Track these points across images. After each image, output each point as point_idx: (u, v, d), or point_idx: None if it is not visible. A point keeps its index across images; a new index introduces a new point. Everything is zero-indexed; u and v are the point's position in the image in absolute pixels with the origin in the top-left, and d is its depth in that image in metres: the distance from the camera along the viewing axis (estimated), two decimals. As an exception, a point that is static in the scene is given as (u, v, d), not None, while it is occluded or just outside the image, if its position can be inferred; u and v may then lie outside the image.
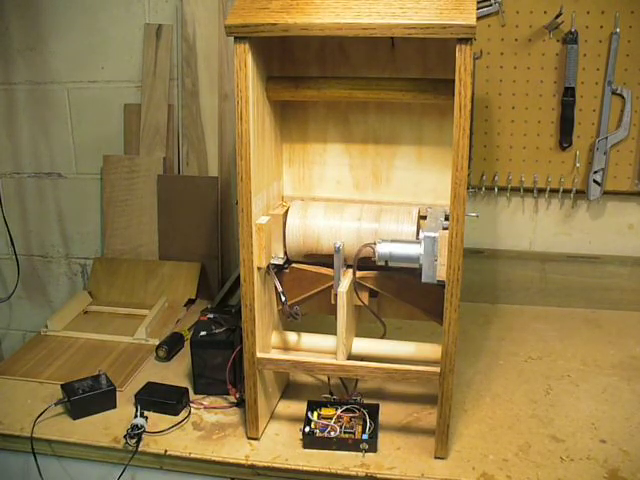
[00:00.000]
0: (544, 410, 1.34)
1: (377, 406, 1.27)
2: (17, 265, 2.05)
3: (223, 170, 1.87)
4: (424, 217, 1.24)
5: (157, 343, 1.56)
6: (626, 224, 1.77)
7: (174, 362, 1.54)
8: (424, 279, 1.13)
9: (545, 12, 1.59)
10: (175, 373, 1.48)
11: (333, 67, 1.26)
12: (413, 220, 1.23)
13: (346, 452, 1.20)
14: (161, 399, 1.33)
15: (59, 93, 1.94)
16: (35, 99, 1.96)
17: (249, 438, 1.25)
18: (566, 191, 1.72)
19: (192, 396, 1.38)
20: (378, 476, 1.16)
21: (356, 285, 1.25)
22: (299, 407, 1.31)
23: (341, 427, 1.23)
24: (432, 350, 1.23)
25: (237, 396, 1.34)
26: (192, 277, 1.84)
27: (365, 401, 1.29)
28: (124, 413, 1.32)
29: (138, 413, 1.27)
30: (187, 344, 1.56)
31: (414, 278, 1.16)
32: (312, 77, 1.24)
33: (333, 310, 1.21)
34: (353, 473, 1.17)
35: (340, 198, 1.32)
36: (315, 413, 1.26)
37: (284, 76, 1.24)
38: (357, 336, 1.32)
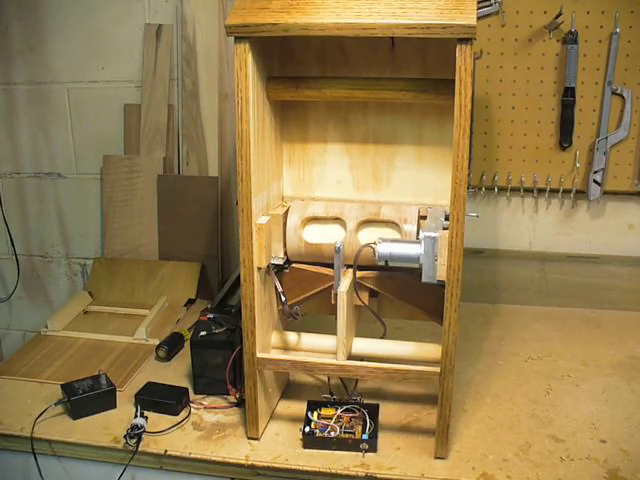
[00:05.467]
0: (544, 410, 1.34)
1: (377, 406, 1.27)
2: (17, 265, 2.06)
3: (223, 170, 1.87)
4: (424, 217, 1.24)
5: (157, 343, 1.56)
6: (626, 224, 1.77)
7: (174, 362, 1.54)
8: (424, 279, 1.13)
9: (545, 12, 1.59)
10: (175, 373, 1.48)
11: (333, 67, 1.26)
12: (413, 220, 1.23)
13: (346, 452, 1.20)
14: (161, 399, 1.33)
15: (59, 93, 1.94)
16: (35, 99, 1.96)
17: (249, 438, 1.25)
18: (566, 191, 1.73)
19: (192, 396, 1.38)
20: (378, 476, 1.16)
21: (356, 285, 1.25)
22: (299, 407, 1.31)
23: (341, 427, 1.23)
24: (432, 350, 1.23)
25: (237, 396, 1.34)
26: (192, 277, 1.84)
27: (365, 401, 1.29)
28: (124, 413, 1.32)
29: (138, 413, 1.27)
30: (187, 344, 1.56)
31: (414, 278, 1.16)
32: (312, 77, 1.24)
33: (333, 310, 1.21)
34: (353, 473, 1.16)
35: (340, 198, 1.32)
36: (315, 413, 1.26)
37: (284, 76, 1.24)
38: (357, 336, 1.32)
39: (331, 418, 1.25)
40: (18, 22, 1.89)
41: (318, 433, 1.22)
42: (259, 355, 1.21)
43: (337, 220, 1.27)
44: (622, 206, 1.75)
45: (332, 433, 1.22)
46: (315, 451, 1.21)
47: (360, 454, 1.20)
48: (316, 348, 1.30)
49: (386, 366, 1.18)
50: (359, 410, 1.26)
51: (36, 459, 1.25)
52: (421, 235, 1.12)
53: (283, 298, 1.24)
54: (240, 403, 1.33)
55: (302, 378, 1.44)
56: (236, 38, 1.06)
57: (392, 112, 1.27)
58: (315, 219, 1.28)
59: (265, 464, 1.19)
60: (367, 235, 1.25)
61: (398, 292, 1.26)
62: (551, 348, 1.59)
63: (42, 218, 2.08)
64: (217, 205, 1.85)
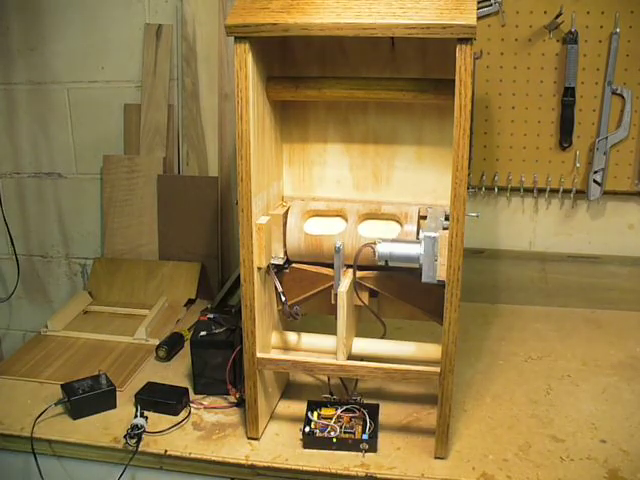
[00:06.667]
0: (544, 410, 1.34)
1: (377, 406, 1.27)
2: (17, 265, 2.05)
3: (223, 170, 1.87)
4: (424, 217, 1.24)
5: (157, 343, 1.56)
6: (626, 224, 1.77)
7: (174, 362, 1.54)
8: (424, 279, 1.13)
9: (545, 12, 1.59)
10: (175, 373, 1.48)
11: (333, 67, 1.26)
12: (413, 220, 1.23)
13: (346, 452, 1.20)
14: (161, 399, 1.33)
15: (59, 93, 1.94)
16: (35, 99, 1.96)
17: (249, 438, 1.25)
18: (566, 191, 1.73)
19: (192, 396, 1.38)
20: (378, 476, 1.16)
21: (356, 285, 1.25)
22: (299, 407, 1.31)
23: (341, 427, 1.23)
24: (432, 350, 1.23)
25: (237, 396, 1.34)
26: (192, 277, 1.84)
27: (365, 401, 1.29)
28: (124, 413, 1.32)
29: (138, 413, 1.27)
30: (187, 344, 1.56)
31: (414, 278, 1.16)
32: (312, 77, 1.24)
33: (333, 310, 1.21)
34: (353, 473, 1.16)
35: (340, 198, 1.32)
36: (315, 413, 1.26)
37: (284, 76, 1.24)
38: (357, 336, 1.32)
39: (331, 418, 1.25)
40: (18, 22, 1.89)
41: (318, 433, 1.22)
42: (259, 355, 1.21)
43: (338, 216, 1.27)
44: (622, 206, 1.75)
45: (332, 433, 1.22)
46: (315, 451, 1.21)
47: (360, 454, 1.20)
48: (316, 348, 1.30)
49: (386, 366, 1.18)
50: (359, 410, 1.26)
51: (36, 459, 1.25)
52: (421, 235, 1.12)
53: (283, 298, 1.24)
54: (240, 403, 1.33)
55: (302, 378, 1.44)
56: (236, 38, 1.06)
57: (392, 112, 1.27)
58: (317, 213, 1.28)
59: (265, 464, 1.19)
60: (368, 229, 1.25)
61: (398, 292, 1.26)
62: (551, 348, 1.59)
63: (42, 218, 2.08)
64: (217, 205, 1.85)
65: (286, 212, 1.27)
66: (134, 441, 1.22)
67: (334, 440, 1.21)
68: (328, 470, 1.17)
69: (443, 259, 1.10)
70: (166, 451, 1.22)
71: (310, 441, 1.22)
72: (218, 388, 1.37)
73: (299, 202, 1.31)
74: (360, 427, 1.23)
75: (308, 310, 1.33)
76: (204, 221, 1.86)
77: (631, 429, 1.28)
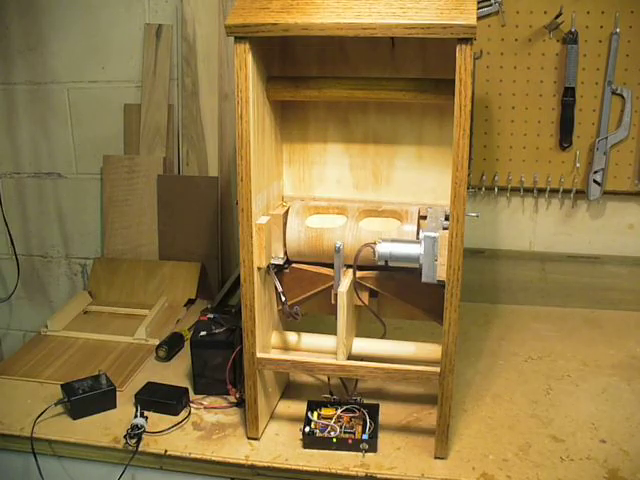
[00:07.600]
0: (544, 410, 1.34)
1: (377, 406, 1.27)
2: (17, 265, 2.06)
3: (223, 170, 1.87)
4: (424, 217, 1.24)
5: (157, 343, 1.56)
6: (626, 224, 1.77)
7: (174, 362, 1.54)
8: (424, 279, 1.13)
9: (545, 12, 1.59)
10: (175, 373, 1.48)
11: (333, 67, 1.26)
12: (413, 220, 1.23)
13: (346, 452, 1.20)
14: (161, 399, 1.33)
15: (59, 93, 1.94)
16: (35, 99, 1.96)
17: (249, 438, 1.25)
18: (566, 191, 1.73)
19: (192, 396, 1.38)
20: (378, 476, 1.16)
21: (356, 285, 1.25)
22: (299, 407, 1.31)
23: (341, 427, 1.23)
24: (432, 350, 1.23)
25: (237, 396, 1.34)
26: (192, 277, 1.84)
27: (365, 401, 1.29)
28: (124, 413, 1.32)
29: (138, 413, 1.27)
30: (187, 344, 1.56)
31: (414, 278, 1.16)
32: (312, 77, 1.24)
33: (333, 310, 1.21)
34: (353, 473, 1.16)
35: (340, 198, 1.32)
36: (315, 413, 1.26)
37: (284, 76, 1.24)
38: (357, 336, 1.32)
39: (331, 418, 1.25)
40: (18, 22, 1.89)
41: (318, 433, 1.22)
42: (259, 355, 1.21)
43: (339, 214, 1.28)
44: (622, 206, 1.75)
45: (332, 433, 1.22)
46: (315, 451, 1.21)
47: (360, 454, 1.20)
48: (316, 348, 1.30)
49: (386, 366, 1.18)
50: (359, 410, 1.26)
51: (36, 459, 1.25)
52: (421, 235, 1.12)
53: (283, 298, 1.24)
54: (240, 403, 1.33)
55: (302, 378, 1.44)
56: (236, 38, 1.06)
57: (392, 112, 1.27)
58: (317, 211, 1.28)
59: (265, 464, 1.19)
60: (369, 224, 1.25)
61: (398, 292, 1.26)
62: (551, 348, 1.59)
63: (42, 218, 2.08)
64: (217, 205, 1.85)
65: (286, 212, 1.27)
66: (134, 441, 1.22)
67: (334, 440, 1.21)
68: (328, 470, 1.17)
69: (443, 259, 1.10)
70: (166, 451, 1.22)
71: (310, 441, 1.22)
72: (218, 388, 1.37)
73: (299, 202, 1.31)
74: (360, 427, 1.23)
75: (308, 310, 1.33)
76: (204, 221, 1.86)
77: (631, 429, 1.28)
